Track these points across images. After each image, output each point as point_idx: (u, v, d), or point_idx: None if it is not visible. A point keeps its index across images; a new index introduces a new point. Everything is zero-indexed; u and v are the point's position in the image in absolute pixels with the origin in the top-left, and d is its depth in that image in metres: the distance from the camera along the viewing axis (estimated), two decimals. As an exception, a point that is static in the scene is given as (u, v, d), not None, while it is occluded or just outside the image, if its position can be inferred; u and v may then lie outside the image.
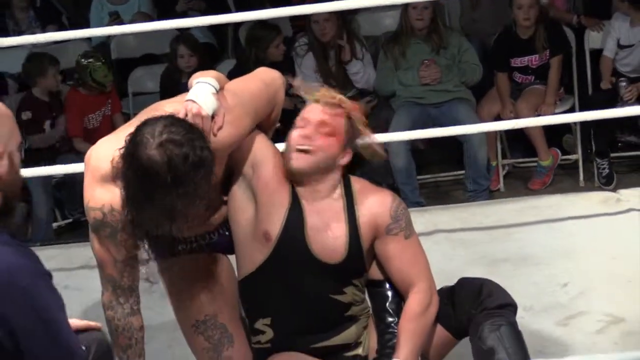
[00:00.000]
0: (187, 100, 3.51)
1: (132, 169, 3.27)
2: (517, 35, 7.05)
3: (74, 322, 3.17)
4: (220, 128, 3.54)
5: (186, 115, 3.45)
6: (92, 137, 7.14)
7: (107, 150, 3.42)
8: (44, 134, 7.37)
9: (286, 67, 6.78)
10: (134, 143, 3.28)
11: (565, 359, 3.50)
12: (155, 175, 3.21)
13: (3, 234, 2.74)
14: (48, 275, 2.74)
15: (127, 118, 6.91)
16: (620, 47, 7.00)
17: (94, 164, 3.48)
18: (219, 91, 3.59)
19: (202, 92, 3.53)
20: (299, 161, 3.67)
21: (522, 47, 7.07)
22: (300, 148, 3.67)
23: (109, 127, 7.10)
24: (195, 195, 3.29)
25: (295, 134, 3.71)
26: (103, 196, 3.42)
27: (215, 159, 3.40)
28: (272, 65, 6.72)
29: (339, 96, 3.79)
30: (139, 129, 3.31)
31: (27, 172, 5.34)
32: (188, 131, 3.31)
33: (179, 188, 3.24)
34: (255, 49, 7.08)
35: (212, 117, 3.52)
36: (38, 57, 7.51)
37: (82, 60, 7.38)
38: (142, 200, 3.27)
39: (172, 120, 3.34)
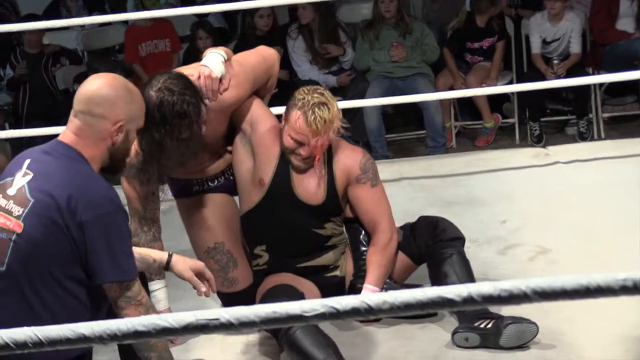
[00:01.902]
0: (201, 65, 3.55)
1: None
2: (476, 23, 6.96)
3: None
4: (226, 89, 3.57)
5: (199, 77, 3.46)
6: (145, 64, 7.12)
7: None
8: None
9: (277, 42, 6.68)
10: (145, 85, 3.32)
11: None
12: (148, 110, 3.14)
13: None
14: (126, 215, 2.81)
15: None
16: (547, 43, 6.90)
17: None
18: (227, 61, 3.60)
19: (214, 60, 3.56)
20: (300, 164, 3.61)
21: (480, 33, 6.97)
22: (303, 164, 3.60)
23: (168, 63, 6.94)
24: (179, 138, 3.29)
25: (293, 146, 3.55)
26: None
27: (212, 115, 3.45)
28: (263, 35, 6.70)
29: (330, 106, 3.54)
30: (153, 76, 3.36)
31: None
32: (185, 87, 3.32)
33: (164, 126, 3.26)
34: (247, 15, 7.01)
35: (220, 80, 3.54)
36: (97, 59, 7.37)
37: None
38: (142, 130, 3.22)
39: (178, 75, 3.37)
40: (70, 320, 1.52)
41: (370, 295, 1.40)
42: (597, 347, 3.43)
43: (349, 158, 3.71)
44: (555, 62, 6.75)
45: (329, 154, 3.68)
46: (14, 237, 2.69)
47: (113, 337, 1.40)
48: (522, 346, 3.46)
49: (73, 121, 2.81)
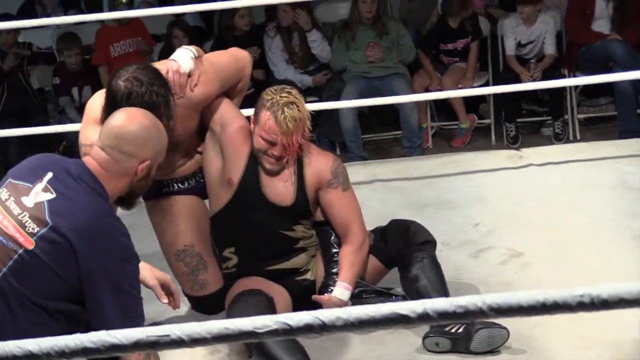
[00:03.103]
0: (170, 60, 3.52)
1: (106, 92, 3.25)
2: (449, 24, 6.94)
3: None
4: (195, 85, 3.53)
5: (167, 71, 3.42)
6: (115, 65, 6.93)
7: (101, 97, 3.34)
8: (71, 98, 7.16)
9: (255, 42, 6.76)
10: (113, 75, 3.26)
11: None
12: (116, 101, 3.14)
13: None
14: (137, 259, 2.78)
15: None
16: (522, 45, 6.90)
17: (89, 108, 3.44)
18: (197, 58, 3.57)
19: (183, 55, 3.54)
20: (272, 167, 3.60)
21: (453, 34, 6.96)
22: (275, 166, 3.59)
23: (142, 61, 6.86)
24: None
25: (264, 146, 3.55)
26: (91, 135, 3.26)
27: (180, 111, 3.41)
28: (241, 35, 6.67)
29: (299, 105, 3.53)
30: (121, 67, 3.28)
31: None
32: (154, 77, 3.25)
33: None
34: (225, 16, 6.96)
35: (189, 75, 3.51)
36: (67, 37, 7.30)
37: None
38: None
39: (147, 66, 3.33)
40: None
41: (323, 312, 1.38)
42: (568, 352, 3.41)
43: (319, 162, 3.68)
44: (532, 64, 6.75)
45: (299, 158, 3.65)
46: (20, 251, 2.66)
47: (61, 354, 1.37)
48: (493, 351, 3.44)
49: (100, 153, 2.80)
